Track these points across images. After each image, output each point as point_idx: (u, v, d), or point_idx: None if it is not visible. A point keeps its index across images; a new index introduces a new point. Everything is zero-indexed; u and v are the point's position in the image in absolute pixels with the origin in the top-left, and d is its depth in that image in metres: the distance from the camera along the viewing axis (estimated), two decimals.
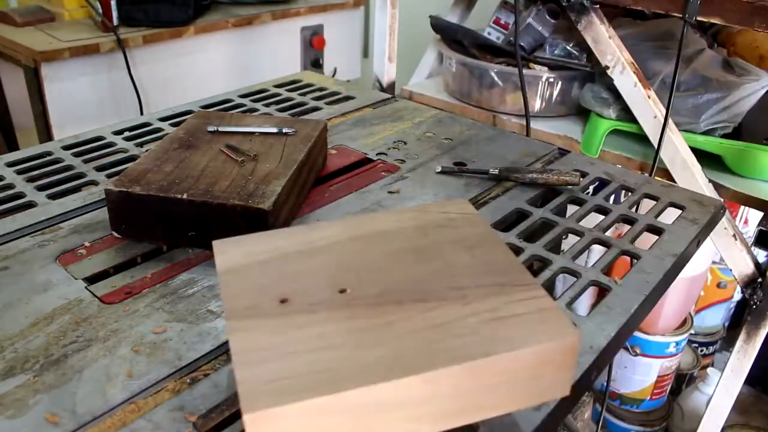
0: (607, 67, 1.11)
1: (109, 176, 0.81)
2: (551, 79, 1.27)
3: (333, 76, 2.02)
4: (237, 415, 0.45)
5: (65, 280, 0.61)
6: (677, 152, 1.07)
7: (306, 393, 0.34)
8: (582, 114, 1.29)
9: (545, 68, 1.28)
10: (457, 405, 0.37)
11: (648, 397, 1.49)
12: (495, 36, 1.40)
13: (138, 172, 0.68)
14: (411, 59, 1.59)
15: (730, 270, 1.11)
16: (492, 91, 1.32)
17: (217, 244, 0.47)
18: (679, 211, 0.77)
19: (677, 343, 1.43)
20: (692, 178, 1.06)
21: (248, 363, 0.36)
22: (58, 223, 0.71)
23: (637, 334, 1.41)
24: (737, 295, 1.66)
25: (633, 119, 1.12)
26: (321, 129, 0.81)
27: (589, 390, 1.35)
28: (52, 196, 0.76)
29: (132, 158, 0.86)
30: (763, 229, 1.42)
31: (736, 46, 1.25)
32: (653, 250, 0.68)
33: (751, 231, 1.56)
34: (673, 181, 1.08)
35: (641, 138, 1.13)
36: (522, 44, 1.30)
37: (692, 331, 1.50)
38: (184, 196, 0.64)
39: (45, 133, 1.48)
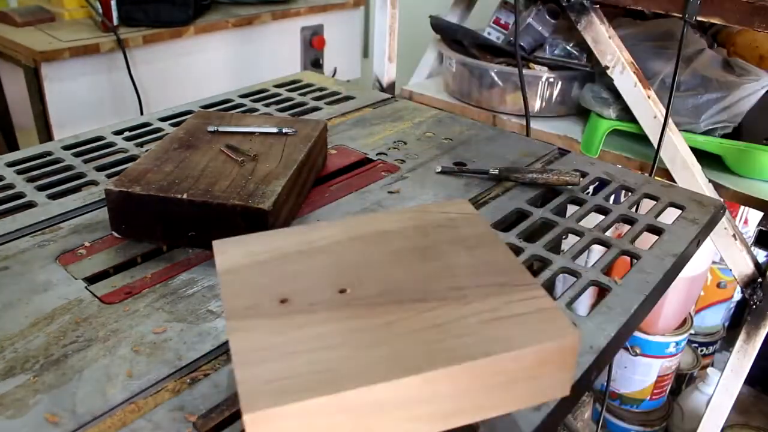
0: (607, 67, 1.11)
1: (109, 176, 0.81)
2: (551, 79, 1.27)
3: (333, 76, 2.02)
4: (237, 415, 0.45)
5: (65, 280, 0.61)
6: (677, 152, 1.07)
7: (306, 393, 0.34)
8: (582, 114, 1.29)
9: (545, 68, 1.28)
10: (457, 405, 0.37)
11: (648, 397, 1.49)
12: (495, 36, 1.40)
13: (138, 172, 0.68)
14: (411, 59, 1.59)
15: (730, 270, 1.11)
16: (492, 91, 1.32)
17: (217, 244, 0.47)
18: (679, 211, 0.77)
19: (677, 343, 1.43)
20: (692, 178, 1.06)
21: (248, 363, 0.36)
22: (58, 223, 0.71)
23: (637, 334, 1.41)
24: (737, 295, 1.66)
25: (633, 119, 1.12)
26: (321, 129, 0.81)
27: (589, 390, 1.35)
28: (52, 196, 0.76)
29: (132, 158, 0.86)
30: (763, 229, 1.42)
31: (736, 46, 1.25)
32: (653, 250, 0.68)
33: (751, 231, 1.56)
34: (673, 181, 1.08)
35: (641, 138, 1.13)
36: (522, 44, 1.30)
37: (692, 331, 1.50)
38: (184, 196, 0.64)
39: (45, 133, 1.48)
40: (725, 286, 1.61)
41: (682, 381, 1.60)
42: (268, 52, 1.87)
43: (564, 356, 0.39)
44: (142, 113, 1.56)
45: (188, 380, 0.49)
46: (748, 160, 1.08)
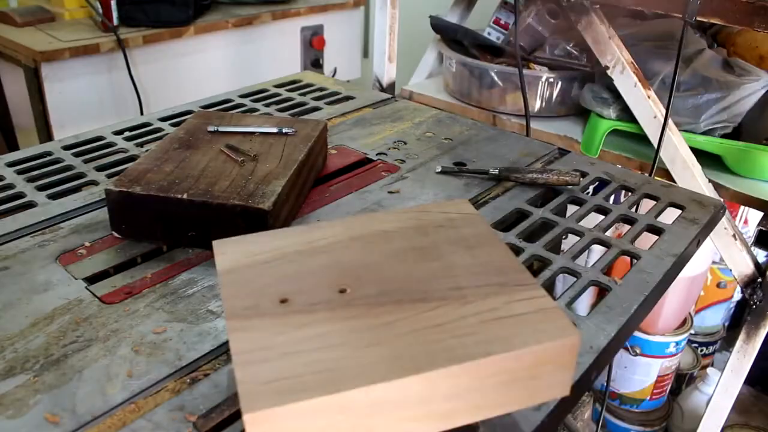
0: (607, 67, 1.11)
1: (109, 176, 0.81)
2: (551, 79, 1.27)
3: (333, 76, 2.02)
4: (237, 415, 0.45)
5: (65, 280, 0.61)
6: (677, 152, 1.07)
7: (306, 393, 0.34)
8: (582, 114, 1.29)
9: (545, 68, 1.28)
10: (457, 405, 0.37)
11: (648, 397, 1.49)
12: (495, 36, 1.40)
13: (138, 172, 0.68)
14: (411, 59, 1.59)
15: (730, 270, 1.11)
16: (492, 91, 1.32)
17: (217, 244, 0.47)
18: (679, 211, 0.77)
19: (677, 343, 1.43)
20: (692, 178, 1.06)
21: (248, 363, 0.36)
22: (58, 223, 0.71)
23: (637, 334, 1.41)
24: (737, 295, 1.66)
25: (633, 119, 1.12)
26: (321, 129, 0.81)
27: (589, 390, 1.35)
28: (52, 196, 0.76)
29: (132, 158, 0.86)
30: (763, 229, 1.42)
31: (736, 46, 1.25)
32: (653, 250, 0.68)
33: (751, 231, 1.56)
34: (673, 181, 1.08)
35: (641, 138, 1.13)
36: (522, 44, 1.30)
37: (692, 331, 1.50)
38: (184, 196, 0.64)
39: (45, 133, 1.48)
40: (725, 286, 1.61)
41: (682, 381, 1.60)
42: (268, 52, 1.87)
43: (564, 356, 0.39)
44: (142, 113, 1.56)
45: (188, 380, 0.50)
46: (748, 160, 1.08)
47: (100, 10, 1.51)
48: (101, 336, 0.54)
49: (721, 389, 1.17)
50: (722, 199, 0.95)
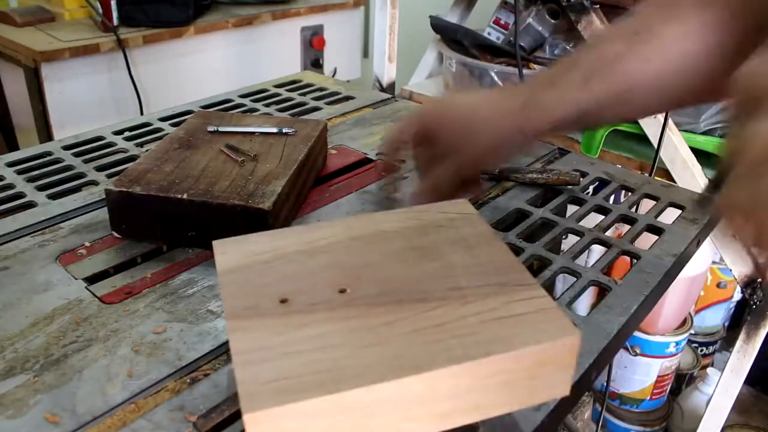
0: None
1: (109, 176, 0.81)
2: None
3: (333, 76, 2.02)
4: (237, 415, 0.45)
5: (65, 280, 0.61)
6: (677, 152, 1.07)
7: (306, 393, 0.34)
8: None
9: (545, 68, 1.28)
10: (457, 405, 0.37)
11: (648, 397, 1.49)
12: (495, 36, 1.40)
13: (138, 172, 0.68)
14: (411, 59, 1.59)
15: (730, 270, 1.11)
16: None
17: (217, 244, 0.47)
18: (679, 211, 0.77)
19: (677, 343, 1.43)
20: (692, 178, 1.06)
21: (248, 363, 0.36)
22: (58, 223, 0.71)
23: (637, 334, 1.41)
24: (737, 295, 1.66)
25: (633, 119, 1.12)
26: (321, 129, 0.81)
27: (589, 390, 1.35)
28: (52, 196, 0.76)
29: (132, 158, 0.86)
30: None
31: None
32: (653, 250, 0.68)
33: None
34: (673, 181, 1.08)
35: (641, 138, 1.13)
36: (522, 44, 1.30)
37: (692, 331, 1.50)
38: (184, 196, 0.64)
39: (45, 133, 1.48)
40: (725, 286, 1.61)
41: (682, 381, 1.60)
42: (268, 52, 1.87)
43: (564, 356, 0.39)
44: (142, 113, 1.56)
45: (188, 380, 0.50)
46: None
47: (100, 10, 1.51)
48: (101, 336, 0.54)
49: (721, 389, 1.17)
50: None
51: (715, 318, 1.65)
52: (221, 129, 0.79)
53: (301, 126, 0.81)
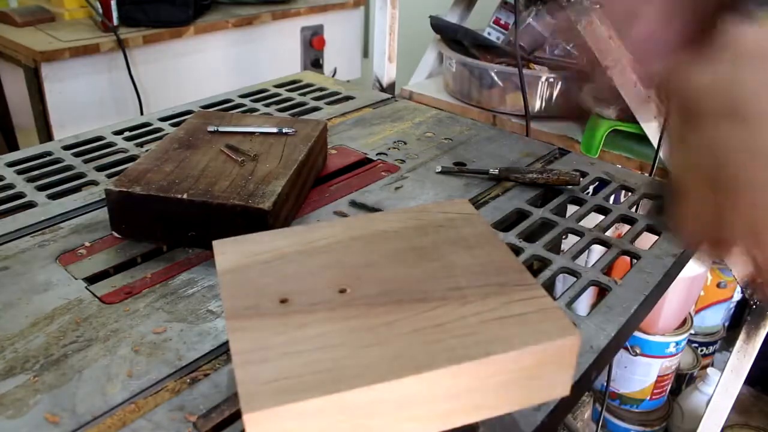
0: (607, 67, 1.11)
1: (109, 176, 0.81)
2: (551, 79, 1.27)
3: (333, 76, 2.02)
4: (237, 415, 0.45)
5: (65, 280, 0.61)
6: None
7: (306, 393, 0.34)
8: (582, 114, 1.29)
9: (545, 68, 1.28)
10: (457, 405, 0.37)
11: (648, 397, 1.49)
12: (495, 36, 1.40)
13: (138, 172, 0.68)
14: (411, 59, 1.59)
15: (730, 270, 1.11)
16: (492, 91, 1.32)
17: (217, 244, 0.47)
18: None
19: (677, 343, 1.43)
20: None
21: (248, 363, 0.36)
22: (58, 223, 0.71)
23: (637, 334, 1.41)
24: (737, 295, 1.66)
25: (633, 119, 1.12)
26: (321, 129, 0.81)
27: (589, 390, 1.35)
28: (52, 196, 0.76)
29: (132, 158, 0.86)
30: None
31: None
32: (653, 250, 0.68)
33: None
34: None
35: (641, 138, 1.13)
36: (522, 44, 1.30)
37: (692, 331, 1.50)
38: (184, 196, 0.64)
39: (45, 133, 1.48)
40: (725, 286, 1.61)
41: (682, 381, 1.60)
42: (268, 52, 1.87)
43: (564, 356, 0.39)
44: (142, 113, 1.56)
45: (188, 380, 0.50)
46: None
47: (100, 10, 1.51)
48: (101, 336, 0.54)
49: (721, 389, 1.16)
50: None
51: (715, 318, 1.65)
52: (221, 129, 0.79)
53: (301, 126, 0.81)
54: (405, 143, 0.92)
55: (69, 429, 0.45)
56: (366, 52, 2.36)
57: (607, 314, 0.58)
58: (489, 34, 1.41)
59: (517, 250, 0.67)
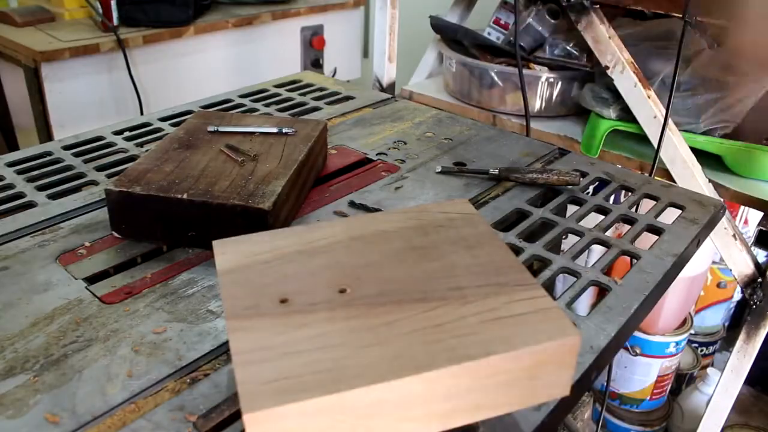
0: (607, 67, 1.11)
1: (109, 176, 0.81)
2: (551, 79, 1.27)
3: (333, 76, 2.02)
4: (237, 415, 0.45)
5: (65, 280, 0.61)
6: (677, 152, 1.07)
7: (306, 393, 0.34)
8: (582, 114, 1.29)
9: (545, 68, 1.28)
10: (457, 405, 0.37)
11: (648, 397, 1.49)
12: (495, 36, 1.40)
13: (138, 172, 0.68)
14: (411, 59, 1.59)
15: (730, 270, 1.11)
16: (492, 91, 1.32)
17: (217, 244, 0.47)
18: (679, 211, 0.77)
19: (677, 343, 1.43)
20: (692, 178, 1.06)
21: (248, 363, 0.36)
22: (58, 223, 0.71)
23: (637, 334, 1.41)
24: (737, 295, 1.66)
25: (633, 119, 1.12)
26: (321, 129, 0.81)
27: (589, 390, 1.35)
28: (52, 196, 0.76)
29: (132, 158, 0.86)
30: (763, 229, 1.42)
31: None
32: (653, 250, 0.68)
33: (751, 231, 1.56)
34: (673, 181, 1.08)
35: (641, 138, 1.13)
36: (522, 44, 1.30)
37: (692, 331, 1.50)
38: (184, 196, 0.64)
39: (45, 133, 1.48)
40: (725, 286, 1.61)
41: (682, 381, 1.60)
42: (268, 52, 1.87)
43: (564, 356, 0.39)
44: (142, 113, 1.57)
45: (188, 380, 0.50)
46: (748, 160, 1.08)
47: (100, 10, 1.51)
48: (101, 336, 0.54)
49: (721, 389, 1.17)
50: (722, 199, 0.96)
51: (715, 318, 1.65)
52: (221, 129, 0.79)
53: (301, 126, 0.81)
54: (405, 143, 0.92)
55: (69, 429, 0.45)
56: (366, 52, 2.36)
57: (607, 314, 0.58)
58: (489, 34, 1.41)
59: (517, 250, 0.67)
